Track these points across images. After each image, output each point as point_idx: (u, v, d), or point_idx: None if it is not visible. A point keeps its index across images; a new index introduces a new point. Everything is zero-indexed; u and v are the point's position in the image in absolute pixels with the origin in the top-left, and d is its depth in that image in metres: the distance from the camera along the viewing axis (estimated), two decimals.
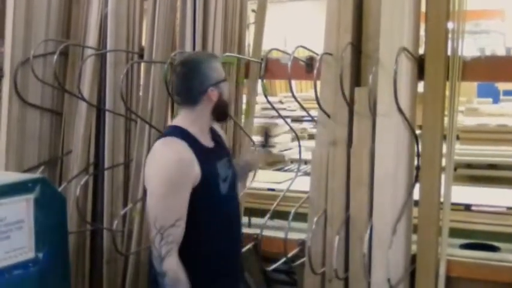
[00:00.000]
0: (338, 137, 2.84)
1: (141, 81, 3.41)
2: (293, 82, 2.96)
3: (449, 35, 2.67)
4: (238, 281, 2.48)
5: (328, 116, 2.86)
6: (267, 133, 3.07)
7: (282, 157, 4.91)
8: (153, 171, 2.23)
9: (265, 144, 3.03)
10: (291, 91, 3.02)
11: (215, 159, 2.34)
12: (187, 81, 2.29)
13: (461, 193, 3.24)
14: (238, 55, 3.25)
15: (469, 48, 2.79)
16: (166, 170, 2.18)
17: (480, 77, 2.99)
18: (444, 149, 2.69)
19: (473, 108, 5.74)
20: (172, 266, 2.17)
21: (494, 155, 3.99)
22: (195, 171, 2.21)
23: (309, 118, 3.51)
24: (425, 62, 2.69)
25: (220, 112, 2.36)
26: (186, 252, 2.21)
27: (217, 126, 2.57)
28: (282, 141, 5.23)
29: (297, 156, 3.37)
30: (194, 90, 2.29)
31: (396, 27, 2.65)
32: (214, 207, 2.30)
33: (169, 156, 2.20)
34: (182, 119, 2.35)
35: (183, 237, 2.21)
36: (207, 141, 2.36)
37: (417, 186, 2.69)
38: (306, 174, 3.52)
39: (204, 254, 2.28)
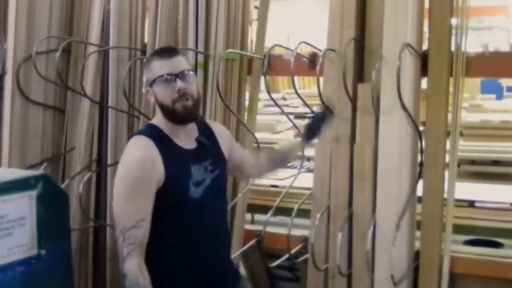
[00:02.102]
0: (341, 133, 2.84)
1: (144, 78, 3.40)
2: (296, 78, 2.95)
3: (453, 31, 2.66)
4: None
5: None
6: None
7: None
8: (118, 170, 2.14)
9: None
10: (294, 87, 3.02)
11: (189, 161, 2.18)
12: None
13: (465, 189, 3.24)
14: (241, 51, 3.24)
15: (472, 44, 2.78)
16: (127, 169, 2.09)
17: (483, 73, 2.99)
18: (448, 146, 2.68)
19: (477, 104, 5.73)
20: (131, 268, 2.05)
21: (497, 151, 3.99)
22: (158, 171, 2.08)
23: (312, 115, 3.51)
24: (428, 58, 2.68)
25: (168, 115, 2.16)
26: (155, 256, 2.11)
27: (218, 126, 2.47)
28: (285, 137, 5.23)
29: (300, 153, 3.36)
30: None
31: (400, 23, 2.64)
32: (182, 211, 2.15)
33: (131, 155, 2.10)
34: (159, 116, 2.21)
35: (153, 241, 2.10)
36: (185, 142, 2.20)
37: (420, 183, 2.69)
38: (309, 170, 3.52)
39: (174, 259, 2.16)
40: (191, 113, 2.16)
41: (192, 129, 2.25)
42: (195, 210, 2.16)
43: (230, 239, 2.45)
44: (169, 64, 2.13)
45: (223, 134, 2.41)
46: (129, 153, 2.13)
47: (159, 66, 2.14)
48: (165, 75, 2.12)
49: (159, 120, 2.20)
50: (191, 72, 2.17)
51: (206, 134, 2.30)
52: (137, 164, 2.07)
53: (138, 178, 2.06)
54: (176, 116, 2.14)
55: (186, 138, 2.21)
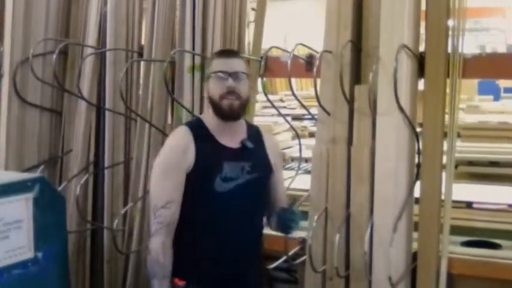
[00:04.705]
0: (338, 135, 2.84)
1: (141, 80, 3.40)
2: (293, 80, 2.95)
3: (450, 33, 2.66)
4: (238, 285, 2.41)
5: (328, 114, 2.86)
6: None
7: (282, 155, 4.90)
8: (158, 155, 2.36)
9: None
10: (291, 89, 3.01)
11: (223, 157, 2.31)
12: None
13: (463, 190, 3.24)
14: None
15: (469, 45, 2.79)
16: (162, 154, 2.32)
17: (481, 74, 2.98)
18: (445, 147, 2.68)
19: (474, 105, 5.75)
20: (155, 246, 2.25)
21: (495, 152, 3.99)
22: (188, 157, 2.27)
23: (309, 116, 3.51)
24: (425, 59, 2.68)
25: (215, 109, 2.34)
26: (181, 241, 2.29)
27: (272, 139, 2.60)
28: (283, 139, 5.22)
29: (298, 155, 3.36)
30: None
31: (396, 25, 2.64)
32: (205, 200, 2.30)
33: (169, 142, 2.35)
34: (207, 112, 2.40)
35: (180, 226, 2.29)
36: (227, 140, 2.35)
37: (418, 184, 2.68)
38: (307, 172, 3.51)
39: (197, 247, 2.33)
40: (235, 111, 2.32)
41: (240, 131, 2.41)
42: (219, 202, 2.31)
43: (257, 242, 2.53)
44: (226, 63, 2.33)
45: (274, 148, 2.55)
46: (167, 140, 2.40)
47: (217, 64, 2.35)
48: (219, 72, 2.31)
49: (206, 115, 2.40)
50: (244, 75, 2.35)
51: (255, 140, 2.43)
52: (171, 148, 2.32)
53: (169, 162, 2.29)
54: (221, 112, 2.32)
55: (230, 137, 2.37)
